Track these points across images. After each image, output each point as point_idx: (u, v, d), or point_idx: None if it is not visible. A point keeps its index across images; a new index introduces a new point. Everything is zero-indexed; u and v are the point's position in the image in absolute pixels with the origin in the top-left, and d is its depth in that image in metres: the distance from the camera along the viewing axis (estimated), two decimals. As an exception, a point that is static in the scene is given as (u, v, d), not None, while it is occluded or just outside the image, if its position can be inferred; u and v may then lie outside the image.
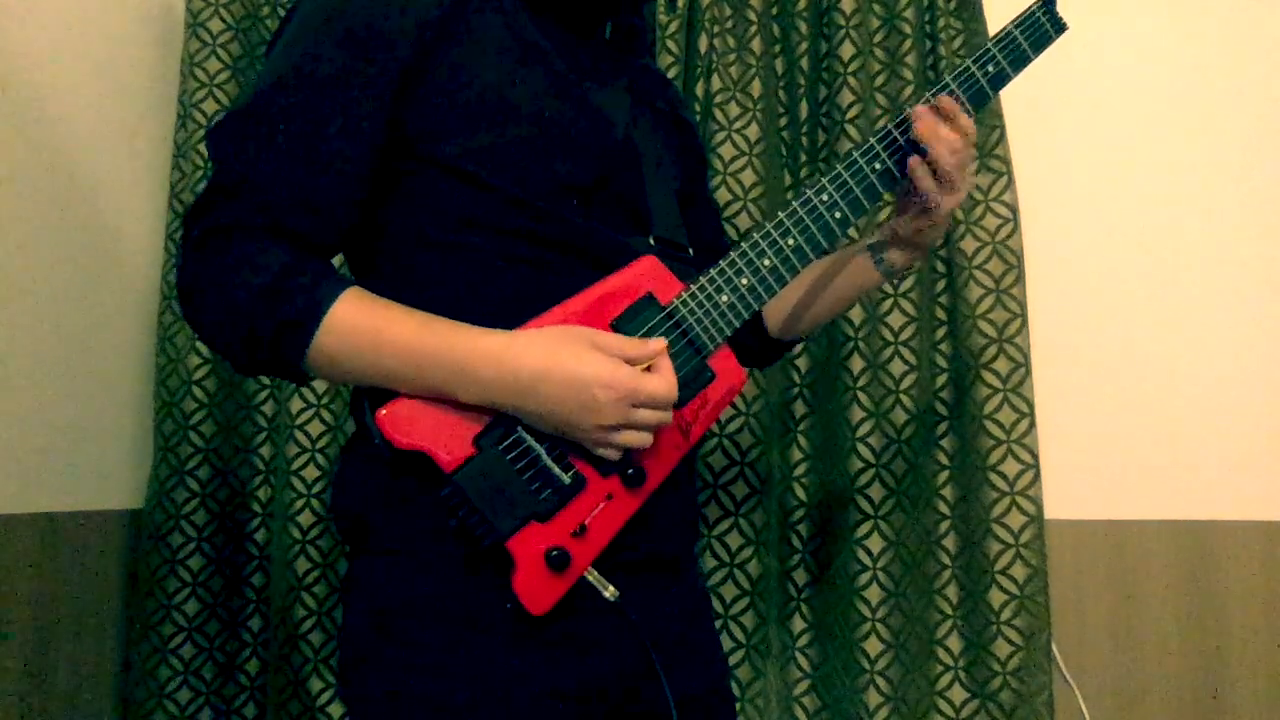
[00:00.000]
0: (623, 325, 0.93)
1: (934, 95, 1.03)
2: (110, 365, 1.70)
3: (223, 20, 1.79)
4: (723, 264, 0.98)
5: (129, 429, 1.75)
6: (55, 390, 1.56)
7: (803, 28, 1.81)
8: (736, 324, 0.97)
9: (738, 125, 1.76)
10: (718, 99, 1.76)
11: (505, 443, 0.89)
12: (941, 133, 1.00)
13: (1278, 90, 1.83)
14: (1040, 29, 1.07)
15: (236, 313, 0.86)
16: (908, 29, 1.77)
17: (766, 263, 0.99)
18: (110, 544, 1.68)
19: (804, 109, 1.80)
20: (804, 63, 1.81)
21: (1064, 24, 1.08)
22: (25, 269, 1.50)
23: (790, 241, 0.99)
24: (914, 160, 1.01)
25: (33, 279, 1.52)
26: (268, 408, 1.77)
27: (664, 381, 0.89)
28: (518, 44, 0.95)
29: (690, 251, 1.06)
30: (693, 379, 0.96)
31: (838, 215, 1.01)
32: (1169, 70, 1.85)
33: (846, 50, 1.76)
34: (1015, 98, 1.78)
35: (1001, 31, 1.06)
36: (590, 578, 0.90)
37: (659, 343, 0.91)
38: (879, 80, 1.78)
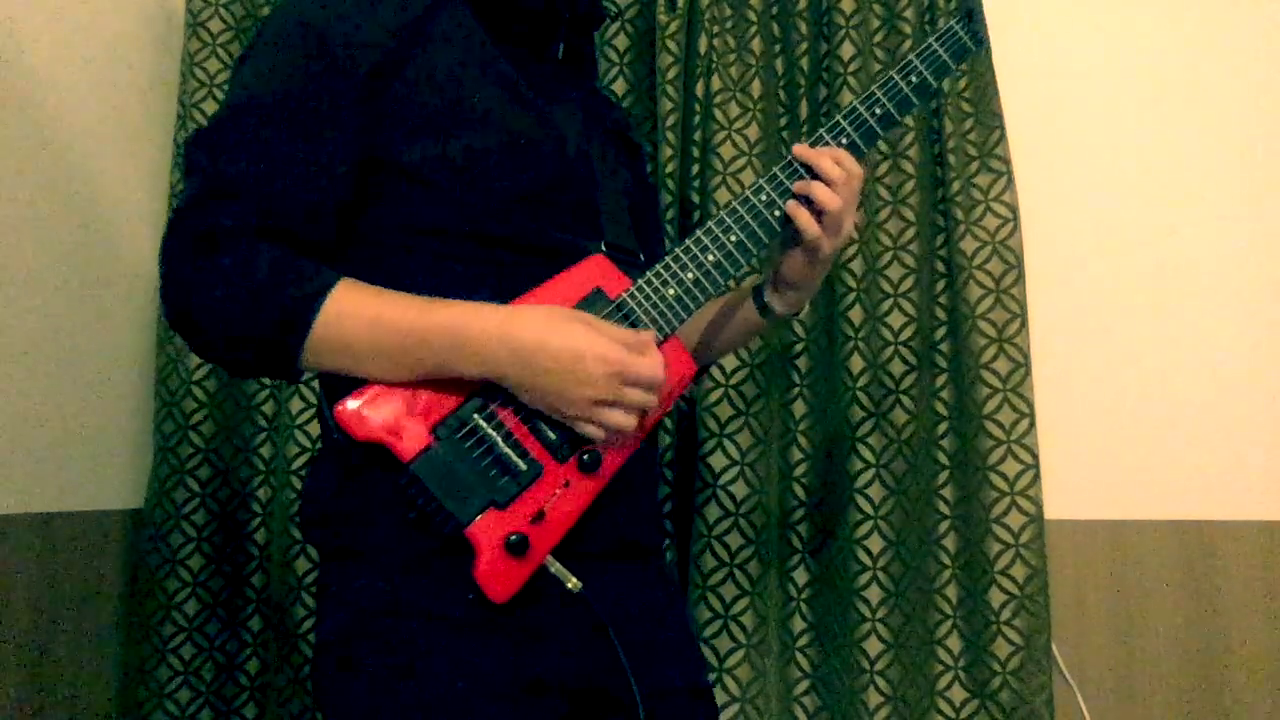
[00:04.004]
0: None
1: (844, 119, 1.06)
2: (110, 365, 1.70)
3: (223, 20, 1.80)
4: (668, 259, 1.01)
5: (129, 429, 1.75)
6: (55, 390, 1.56)
7: (803, 28, 1.81)
8: (685, 316, 1.01)
9: (738, 125, 1.76)
10: (718, 99, 1.76)
11: (462, 431, 0.91)
12: (819, 175, 1.03)
13: (1278, 90, 1.83)
14: (959, 43, 1.09)
15: (233, 311, 0.88)
16: (908, 29, 1.77)
17: (710, 258, 1.02)
18: (110, 544, 1.68)
19: (804, 109, 1.80)
20: (804, 63, 1.81)
21: (983, 39, 1.11)
22: (25, 269, 1.50)
23: (732, 238, 1.03)
24: (792, 204, 1.03)
25: (33, 279, 1.52)
26: (268, 408, 1.78)
27: (654, 364, 0.92)
28: (477, 59, 0.99)
29: (641, 258, 1.10)
30: None
31: (777, 213, 1.04)
32: (1169, 70, 1.85)
33: (846, 50, 1.76)
34: (1015, 98, 1.78)
35: (923, 45, 1.09)
36: (553, 569, 0.92)
37: (649, 333, 0.95)
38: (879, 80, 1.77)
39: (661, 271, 1.01)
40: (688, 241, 1.03)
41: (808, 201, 1.03)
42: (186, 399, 1.73)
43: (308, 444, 1.72)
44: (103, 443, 1.68)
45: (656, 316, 0.99)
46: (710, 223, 1.03)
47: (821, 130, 1.06)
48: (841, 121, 1.06)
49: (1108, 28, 1.86)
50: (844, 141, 1.05)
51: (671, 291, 1.00)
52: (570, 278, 0.97)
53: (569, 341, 0.89)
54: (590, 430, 0.92)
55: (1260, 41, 1.84)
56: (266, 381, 1.78)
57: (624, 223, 1.10)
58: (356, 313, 0.90)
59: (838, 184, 1.02)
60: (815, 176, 1.03)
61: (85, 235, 1.64)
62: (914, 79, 1.07)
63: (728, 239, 1.03)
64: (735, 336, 1.21)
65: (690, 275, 1.01)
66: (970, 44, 1.10)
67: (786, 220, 1.04)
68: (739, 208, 1.04)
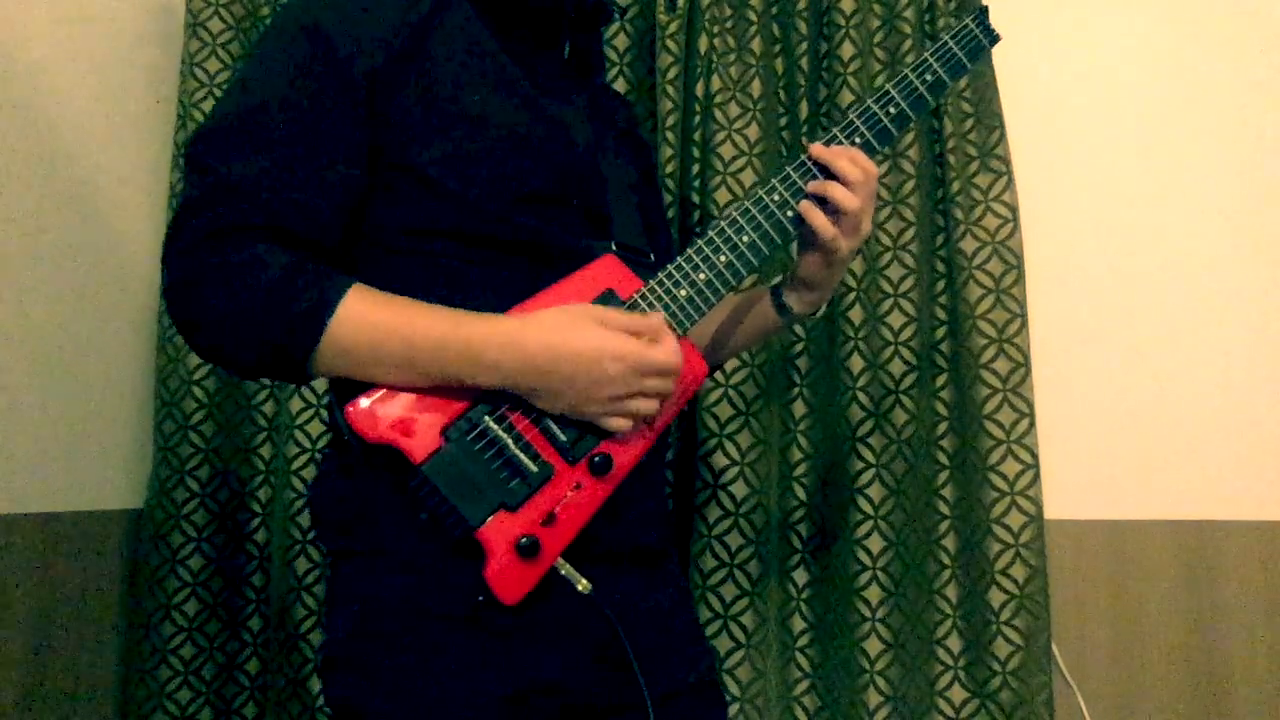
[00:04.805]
0: None
1: (857, 118, 1.05)
2: (110, 365, 1.70)
3: (223, 20, 1.80)
4: (680, 260, 1.01)
5: (129, 429, 1.75)
6: (55, 390, 1.56)
7: (803, 28, 1.81)
8: (696, 317, 1.00)
9: (738, 125, 1.76)
10: (718, 99, 1.76)
11: (472, 434, 0.91)
12: (835, 174, 1.02)
13: (1277, 90, 1.83)
14: (973, 39, 1.09)
15: (244, 310, 0.87)
16: (908, 29, 1.77)
17: (723, 259, 1.01)
18: (110, 544, 1.68)
19: (804, 109, 1.80)
20: (804, 63, 1.81)
21: (996, 35, 1.10)
22: (25, 269, 1.50)
23: (745, 238, 1.02)
24: (805, 204, 1.02)
25: (32, 279, 1.52)
26: (268, 408, 1.78)
27: (669, 351, 0.92)
28: (483, 59, 0.99)
29: (651, 257, 1.09)
30: None
31: (790, 214, 1.03)
32: (1168, 70, 1.85)
33: (846, 50, 1.76)
34: (1015, 98, 1.78)
35: (939, 43, 1.08)
36: (563, 571, 0.92)
37: (657, 316, 0.95)
38: (879, 80, 1.78)
39: (674, 272, 1.00)
40: (699, 242, 1.02)
41: (821, 201, 1.02)
42: (186, 399, 1.73)
43: (308, 444, 1.72)
44: (103, 443, 1.68)
45: (668, 318, 0.98)
46: (722, 223, 1.02)
47: (834, 129, 1.05)
48: (855, 120, 1.04)
49: (1108, 28, 1.86)
50: (857, 140, 1.04)
51: (684, 292, 1.00)
52: (582, 278, 0.97)
53: (582, 346, 0.89)
54: (616, 423, 0.92)
55: (1260, 42, 1.83)
56: (267, 382, 1.78)
57: (634, 220, 1.09)
58: (370, 322, 0.89)
59: (855, 184, 1.01)
60: (830, 176, 1.02)
61: (85, 235, 1.64)
62: (928, 77, 1.06)
63: (740, 239, 1.02)
64: (749, 336, 1.20)
65: (702, 276, 1.01)
66: (985, 40, 1.09)
67: (800, 220, 1.03)
68: (751, 208, 1.03)
